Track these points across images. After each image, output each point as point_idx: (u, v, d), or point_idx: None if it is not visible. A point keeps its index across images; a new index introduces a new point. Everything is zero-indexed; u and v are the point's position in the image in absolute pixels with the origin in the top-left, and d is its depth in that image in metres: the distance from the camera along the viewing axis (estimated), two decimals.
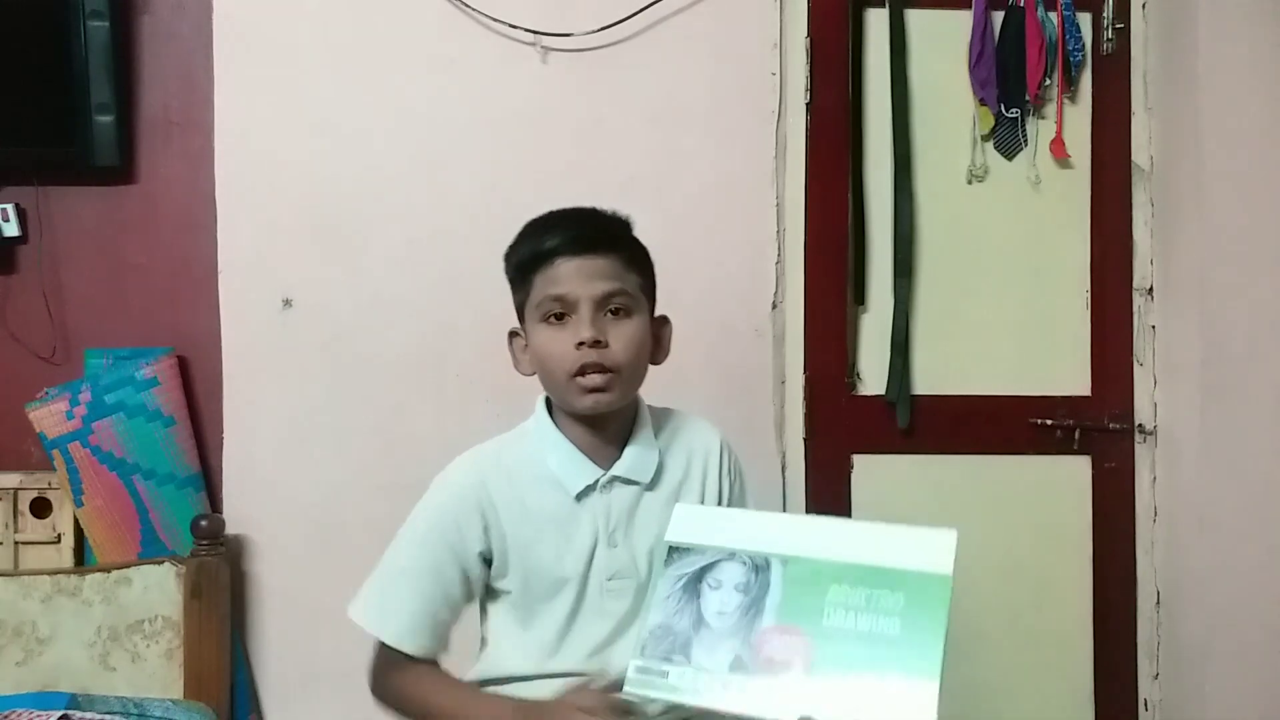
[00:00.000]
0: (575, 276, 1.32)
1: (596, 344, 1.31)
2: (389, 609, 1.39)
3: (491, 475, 1.39)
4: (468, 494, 1.38)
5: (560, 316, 1.33)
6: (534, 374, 1.40)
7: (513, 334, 1.43)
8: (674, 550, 1.29)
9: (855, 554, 1.22)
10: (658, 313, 1.44)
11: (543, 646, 1.38)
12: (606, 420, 1.40)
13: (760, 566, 1.24)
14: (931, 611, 1.17)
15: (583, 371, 1.32)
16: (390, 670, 1.40)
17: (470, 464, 1.42)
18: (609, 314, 1.34)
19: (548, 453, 1.40)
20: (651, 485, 1.42)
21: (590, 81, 2.18)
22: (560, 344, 1.33)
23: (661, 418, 1.48)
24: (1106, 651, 2.31)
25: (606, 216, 1.41)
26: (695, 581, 1.25)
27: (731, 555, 1.26)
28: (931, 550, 1.21)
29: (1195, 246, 2.19)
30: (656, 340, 1.43)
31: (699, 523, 1.31)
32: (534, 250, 1.35)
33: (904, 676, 1.14)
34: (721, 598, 1.23)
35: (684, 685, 1.20)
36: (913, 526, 1.24)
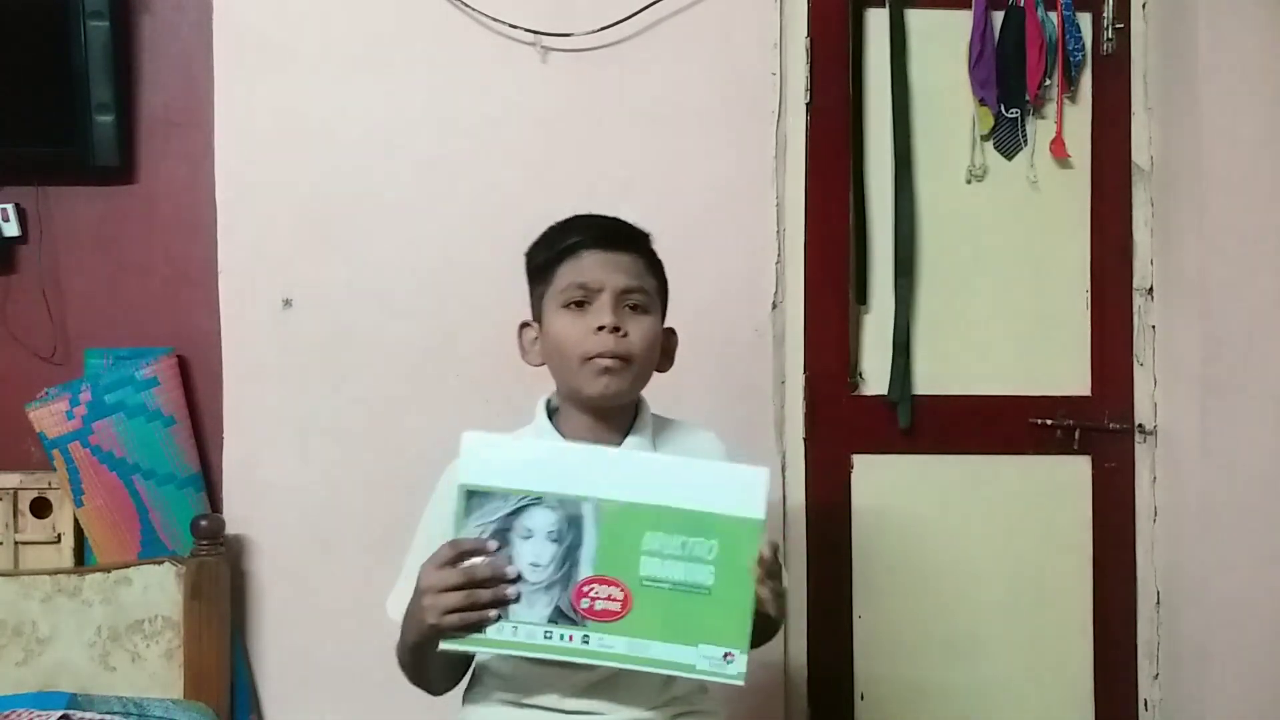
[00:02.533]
0: (600, 267, 1.39)
1: (616, 330, 1.36)
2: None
3: None
4: None
5: (581, 304, 1.38)
6: (541, 364, 1.44)
7: (524, 325, 1.48)
8: (473, 495, 1.20)
9: (669, 496, 1.20)
10: (673, 328, 1.50)
11: None
12: (608, 415, 1.42)
13: (572, 512, 1.20)
14: (742, 562, 1.19)
15: (599, 355, 1.36)
16: None
17: None
18: (628, 308, 1.39)
19: None
20: None
21: (590, 81, 2.18)
22: (579, 328, 1.37)
23: (666, 425, 1.50)
24: (1106, 651, 2.31)
25: (630, 224, 1.47)
26: (503, 531, 1.20)
27: (539, 500, 1.20)
28: (744, 492, 1.20)
29: (1195, 246, 2.19)
30: (664, 350, 1.47)
31: (495, 459, 1.22)
32: (562, 242, 1.41)
33: (717, 642, 1.19)
34: (535, 549, 1.20)
35: (503, 637, 1.21)
36: (726, 464, 1.24)
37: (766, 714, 2.20)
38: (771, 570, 1.22)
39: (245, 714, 2.09)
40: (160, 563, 2.00)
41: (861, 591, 2.28)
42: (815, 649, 2.25)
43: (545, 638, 1.20)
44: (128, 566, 1.99)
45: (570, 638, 1.20)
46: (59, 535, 2.06)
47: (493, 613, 1.19)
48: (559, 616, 1.20)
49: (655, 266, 1.46)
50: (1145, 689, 2.31)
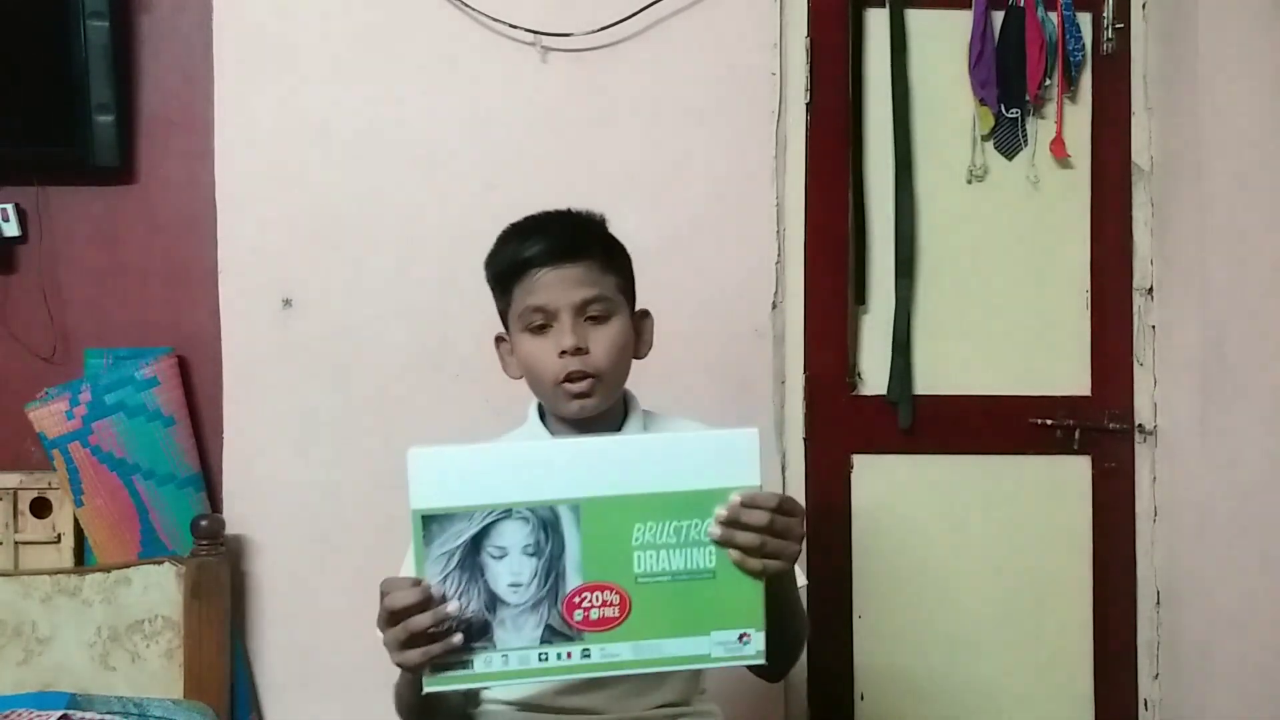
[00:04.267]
0: (553, 286, 1.35)
1: (578, 351, 1.34)
2: None
3: None
4: None
5: (542, 327, 1.36)
6: (521, 377, 1.42)
7: (499, 339, 1.46)
8: (430, 520, 1.08)
9: (653, 480, 1.10)
10: (645, 307, 1.46)
11: None
12: (594, 420, 1.40)
13: (547, 520, 1.09)
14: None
15: (568, 378, 1.34)
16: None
17: None
18: (588, 320, 1.36)
19: None
20: None
21: (590, 81, 2.18)
22: (543, 353, 1.35)
23: (656, 420, 1.48)
24: (1106, 651, 2.31)
25: (581, 220, 1.42)
26: (472, 554, 1.09)
27: (508, 513, 1.09)
28: (735, 459, 1.11)
29: (1195, 246, 2.19)
30: (638, 334, 1.44)
31: (448, 476, 1.09)
32: (511, 261, 1.38)
33: (730, 625, 1.11)
34: (511, 567, 1.09)
35: (493, 669, 1.11)
36: (710, 432, 1.14)
37: (766, 714, 2.20)
38: (748, 522, 1.11)
39: (245, 714, 2.09)
40: (160, 563, 2.00)
41: (861, 591, 2.28)
42: (815, 649, 2.25)
43: (541, 660, 1.10)
44: (128, 566, 1.99)
45: (569, 655, 1.11)
46: (59, 535, 2.06)
47: (456, 638, 1.08)
48: (552, 635, 1.10)
49: (614, 260, 1.40)
50: (1145, 689, 2.31)
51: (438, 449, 1.10)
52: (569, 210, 1.43)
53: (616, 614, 1.11)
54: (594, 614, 1.11)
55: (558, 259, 1.35)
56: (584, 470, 1.10)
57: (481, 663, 1.10)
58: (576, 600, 1.10)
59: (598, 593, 1.10)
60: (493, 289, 1.43)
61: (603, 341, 1.35)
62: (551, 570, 1.10)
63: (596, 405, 1.36)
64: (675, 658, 1.13)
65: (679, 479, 1.10)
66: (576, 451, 1.13)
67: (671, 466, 1.11)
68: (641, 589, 1.11)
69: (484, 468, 1.10)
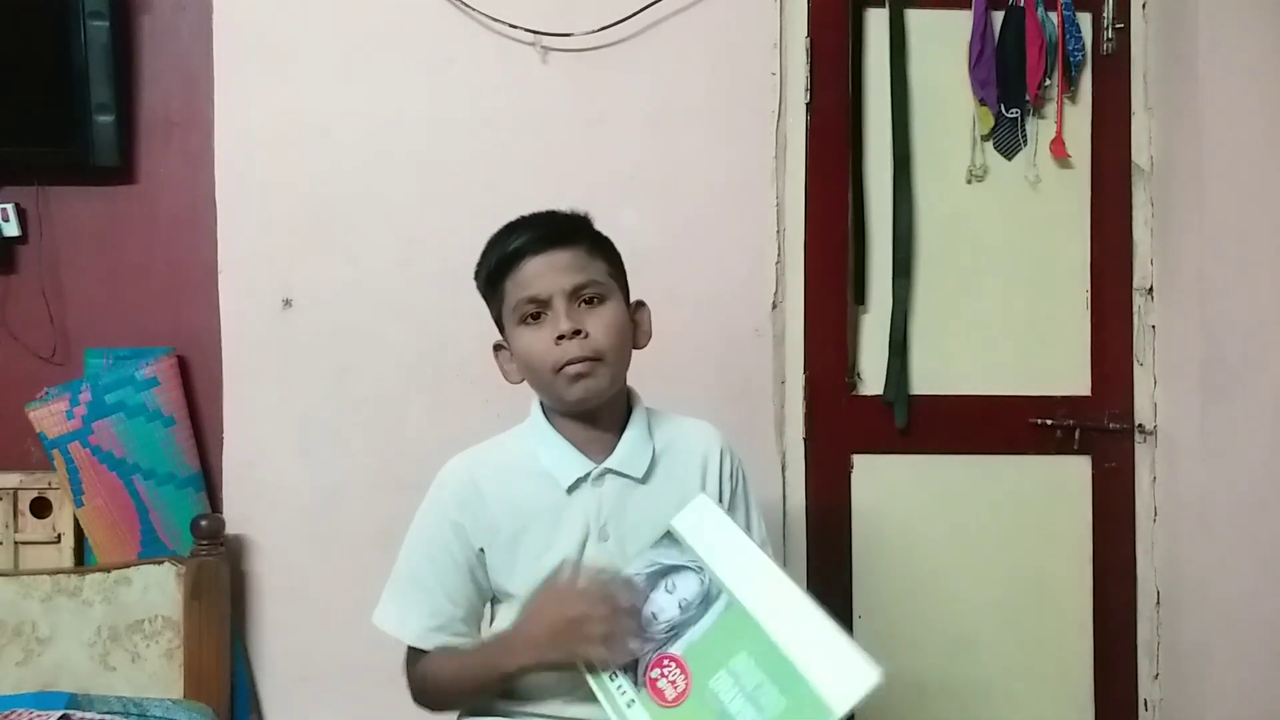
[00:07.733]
0: (544, 273, 1.35)
1: (576, 334, 1.33)
2: (408, 613, 1.40)
3: (481, 471, 1.41)
4: (459, 491, 1.40)
5: (536, 316, 1.36)
6: (522, 381, 1.42)
7: (497, 347, 1.46)
8: (669, 536, 1.29)
9: (784, 633, 1.16)
10: (642, 300, 1.46)
11: None
12: (599, 413, 1.41)
13: (712, 595, 1.23)
14: None
15: (568, 363, 1.34)
16: (418, 667, 1.40)
17: (461, 463, 1.44)
18: (583, 304, 1.36)
19: (540, 449, 1.42)
20: (645, 479, 1.41)
21: (590, 81, 2.18)
22: (541, 341, 1.35)
23: (660, 417, 1.49)
24: (1106, 651, 2.31)
25: (564, 213, 1.43)
26: (660, 575, 1.27)
27: (701, 569, 1.25)
28: (846, 680, 1.12)
29: (1195, 246, 2.19)
30: (636, 325, 1.44)
31: (704, 522, 1.29)
32: (500, 256, 1.38)
33: None
34: (666, 604, 1.25)
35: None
36: (852, 646, 1.15)
37: None
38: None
39: (245, 714, 2.09)
40: (160, 563, 2.00)
41: (861, 591, 2.28)
42: None
43: (610, 677, 1.22)
44: (128, 566, 1.99)
45: (623, 690, 1.21)
46: (59, 535, 2.06)
47: (635, 643, 1.23)
48: (632, 668, 1.22)
49: (601, 247, 1.41)
50: (1145, 689, 2.31)
51: (717, 506, 1.32)
52: (551, 209, 1.44)
53: (671, 698, 1.19)
54: (661, 683, 1.20)
55: (546, 246, 1.36)
56: (758, 582, 1.21)
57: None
58: (665, 663, 1.21)
59: (679, 672, 1.20)
60: (486, 294, 1.43)
61: (599, 323, 1.35)
62: (677, 630, 1.22)
63: (599, 386, 1.36)
64: None
65: (801, 650, 1.15)
66: (766, 568, 1.24)
67: (807, 636, 1.16)
68: (701, 696, 1.18)
69: (719, 534, 1.27)
